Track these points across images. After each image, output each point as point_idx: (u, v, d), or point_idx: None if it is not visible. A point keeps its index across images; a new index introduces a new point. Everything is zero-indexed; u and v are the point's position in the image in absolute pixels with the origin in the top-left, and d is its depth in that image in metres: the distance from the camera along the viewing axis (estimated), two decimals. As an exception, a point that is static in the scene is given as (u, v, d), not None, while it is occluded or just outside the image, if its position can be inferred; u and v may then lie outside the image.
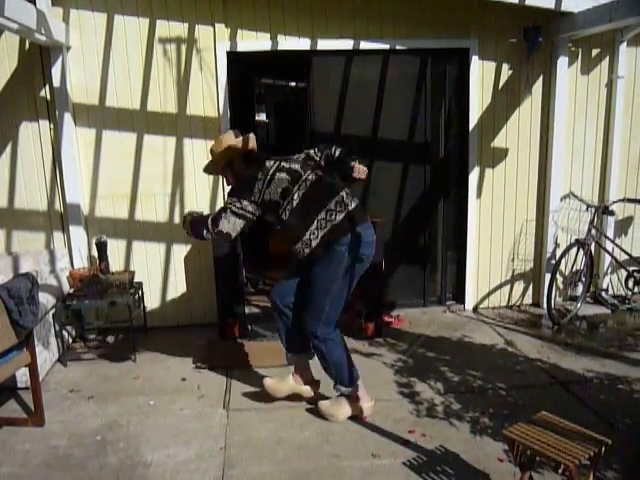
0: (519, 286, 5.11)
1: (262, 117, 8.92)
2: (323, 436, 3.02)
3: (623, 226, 5.08)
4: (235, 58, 4.51)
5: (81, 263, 4.43)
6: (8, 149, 4.37)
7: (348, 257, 2.94)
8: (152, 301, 4.69)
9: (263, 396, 3.37)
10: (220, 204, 4.39)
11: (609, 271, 5.10)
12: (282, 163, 3.04)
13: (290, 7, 4.42)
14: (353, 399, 3.15)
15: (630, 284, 4.88)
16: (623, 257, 4.86)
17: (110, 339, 4.47)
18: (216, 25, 4.36)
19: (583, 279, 4.82)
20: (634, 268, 4.83)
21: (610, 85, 4.81)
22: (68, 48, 4.26)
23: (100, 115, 4.41)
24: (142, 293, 4.47)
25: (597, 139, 4.91)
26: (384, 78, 4.69)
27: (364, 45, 4.52)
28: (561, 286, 5.07)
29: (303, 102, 4.93)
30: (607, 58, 4.77)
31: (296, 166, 3.05)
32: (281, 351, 3.37)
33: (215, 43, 4.38)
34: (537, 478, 2.53)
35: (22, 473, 2.76)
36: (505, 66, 4.71)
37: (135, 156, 4.49)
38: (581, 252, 4.75)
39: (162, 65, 4.40)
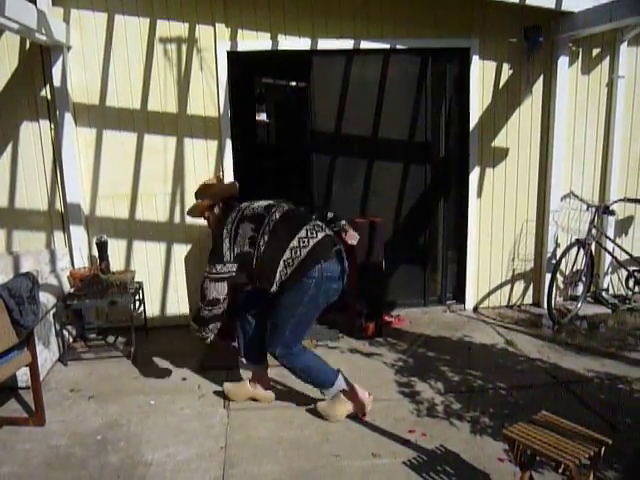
0: (519, 286, 5.11)
1: (262, 117, 8.93)
2: (323, 435, 3.02)
3: (623, 226, 5.08)
4: (235, 58, 4.51)
5: (81, 263, 4.43)
6: (9, 149, 4.38)
7: (314, 288, 2.97)
8: (152, 301, 4.69)
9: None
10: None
11: (609, 271, 5.10)
12: (245, 212, 3.06)
13: (290, 7, 4.42)
14: (349, 395, 3.15)
15: (630, 284, 4.88)
16: (623, 257, 4.86)
17: (110, 339, 4.48)
18: (217, 25, 4.36)
19: (583, 279, 4.82)
20: (634, 268, 4.83)
21: (611, 85, 4.81)
22: (69, 48, 4.27)
23: (100, 115, 4.41)
24: (142, 293, 4.47)
25: (597, 139, 4.91)
26: (384, 78, 4.70)
27: (364, 45, 4.52)
28: (561, 286, 5.07)
29: (303, 102, 4.92)
30: (608, 58, 4.77)
31: (259, 209, 3.06)
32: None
33: (216, 43, 4.39)
34: (537, 478, 2.53)
35: (23, 472, 2.77)
36: (505, 66, 4.71)
37: (135, 156, 4.49)
38: (581, 252, 4.75)
39: (162, 65, 4.40)
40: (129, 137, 4.46)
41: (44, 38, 3.87)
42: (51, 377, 3.81)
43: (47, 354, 3.78)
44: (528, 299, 5.16)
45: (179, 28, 4.36)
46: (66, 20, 4.23)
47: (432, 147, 4.87)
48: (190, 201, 4.55)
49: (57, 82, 4.22)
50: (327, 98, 4.67)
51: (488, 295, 5.08)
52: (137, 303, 4.33)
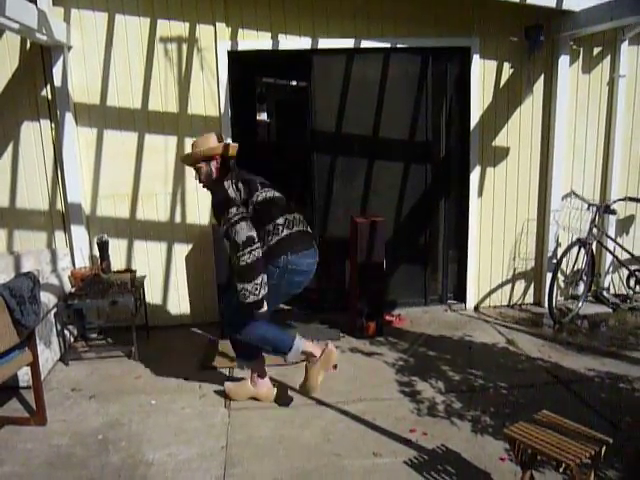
0: (520, 285, 5.11)
1: (263, 116, 8.94)
2: (324, 435, 3.02)
3: (624, 225, 5.08)
4: (236, 57, 4.51)
5: (82, 262, 4.44)
6: (10, 149, 4.38)
7: (277, 278, 3.00)
8: (153, 300, 4.70)
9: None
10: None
11: (610, 270, 5.10)
12: (245, 176, 3.10)
13: (291, 6, 4.42)
14: (315, 355, 3.14)
15: (631, 283, 4.88)
16: (624, 256, 4.85)
17: (111, 338, 4.48)
18: (217, 24, 4.36)
19: (584, 278, 4.82)
20: (635, 267, 4.83)
21: (612, 84, 4.80)
22: (69, 48, 4.27)
23: (101, 115, 4.41)
24: (143, 292, 4.47)
25: (598, 138, 4.91)
26: (385, 77, 4.69)
27: (365, 44, 4.51)
28: (562, 285, 5.07)
29: (304, 101, 4.92)
30: (609, 57, 4.76)
31: (255, 180, 3.11)
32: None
33: (216, 42, 4.38)
34: (538, 477, 2.53)
35: (24, 472, 2.77)
36: (506, 65, 4.71)
37: (136, 155, 4.49)
38: (582, 251, 4.74)
39: (163, 64, 4.40)
40: (130, 137, 4.46)
41: (45, 38, 3.87)
42: (52, 377, 3.81)
43: (48, 354, 3.78)
44: (529, 298, 5.16)
45: (179, 28, 4.36)
46: (66, 20, 4.23)
47: (433, 146, 4.86)
48: (191, 200, 4.59)
49: (58, 82, 4.22)
50: (328, 97, 4.67)
51: (489, 294, 5.08)
52: (138, 303, 4.33)
